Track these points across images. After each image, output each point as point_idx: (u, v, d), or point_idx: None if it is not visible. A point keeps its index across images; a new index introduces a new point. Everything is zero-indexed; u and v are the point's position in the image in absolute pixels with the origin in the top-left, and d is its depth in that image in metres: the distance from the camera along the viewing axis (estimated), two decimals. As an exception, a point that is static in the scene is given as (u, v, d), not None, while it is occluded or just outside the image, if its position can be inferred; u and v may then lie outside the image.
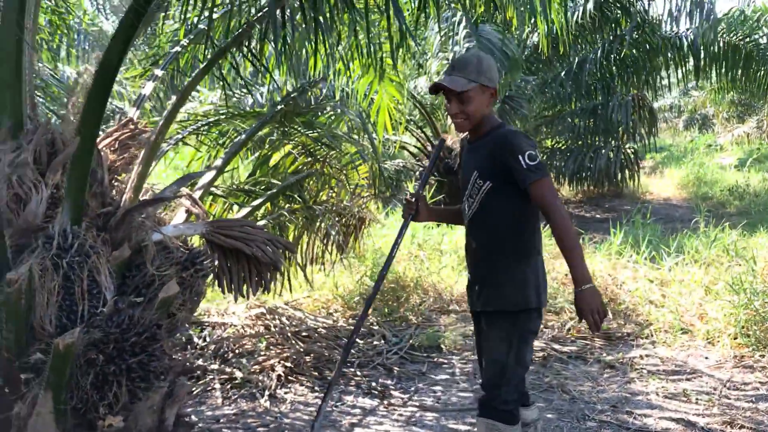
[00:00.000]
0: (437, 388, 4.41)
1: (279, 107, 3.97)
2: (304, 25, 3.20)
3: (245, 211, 3.56)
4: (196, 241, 3.36)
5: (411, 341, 5.19)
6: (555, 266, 6.64)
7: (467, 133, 2.80)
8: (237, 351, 4.99)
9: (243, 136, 3.71)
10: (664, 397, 4.07)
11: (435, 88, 2.73)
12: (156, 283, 2.71)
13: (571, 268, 2.47)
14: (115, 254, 2.61)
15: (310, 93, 4.27)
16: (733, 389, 4.17)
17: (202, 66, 3.21)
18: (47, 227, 2.47)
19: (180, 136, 4.13)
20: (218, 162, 3.46)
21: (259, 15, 3.23)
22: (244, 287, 3.08)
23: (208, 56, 3.91)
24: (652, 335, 5.16)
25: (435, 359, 4.95)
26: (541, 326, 5.38)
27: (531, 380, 4.44)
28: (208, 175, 3.26)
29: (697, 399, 4.01)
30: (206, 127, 4.48)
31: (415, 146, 12.35)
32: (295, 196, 5.02)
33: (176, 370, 2.92)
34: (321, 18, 3.07)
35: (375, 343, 5.24)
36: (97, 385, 2.42)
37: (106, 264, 2.48)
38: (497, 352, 2.66)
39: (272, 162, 5.31)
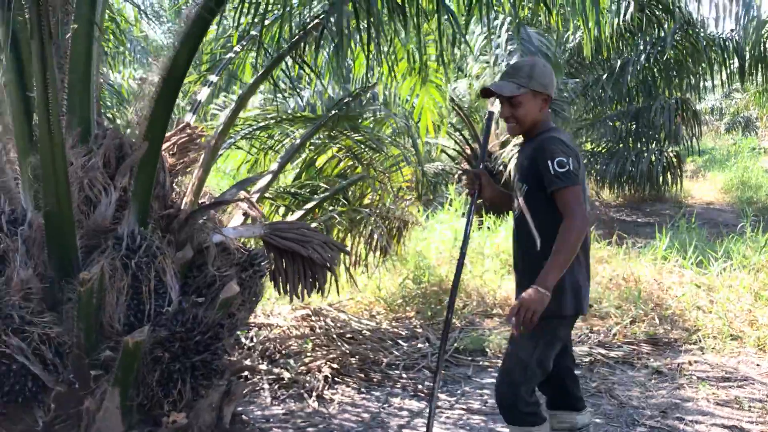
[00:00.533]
0: (484, 391, 4.42)
1: (333, 112, 4.02)
2: (358, 31, 3.24)
3: (299, 213, 3.63)
4: (250, 243, 3.43)
5: (456, 344, 5.20)
6: (599, 271, 6.60)
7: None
8: (283, 352, 5.06)
9: (297, 140, 3.77)
10: (716, 404, 4.02)
11: (485, 93, 2.77)
12: (217, 283, 2.79)
13: (546, 266, 2.47)
14: (178, 255, 2.68)
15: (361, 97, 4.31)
16: (787, 397, 4.11)
17: (261, 72, 3.27)
18: (115, 229, 2.55)
19: (232, 141, 4.21)
20: (274, 166, 3.53)
21: (315, 22, 3.29)
22: (299, 288, 3.14)
23: (260, 62, 3.99)
24: (700, 341, 5.10)
25: (480, 363, 4.95)
26: (587, 331, 5.40)
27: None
28: (265, 179, 3.32)
29: (750, 406, 3.96)
30: (256, 132, 4.56)
31: (454, 149, 12.35)
32: (340, 198, 5.09)
33: (232, 369, 3.00)
34: (373, 24, 3.11)
35: (419, 345, 5.27)
36: (162, 383, 2.49)
37: (171, 265, 2.56)
38: (523, 351, 2.64)
39: (317, 165, 5.40)
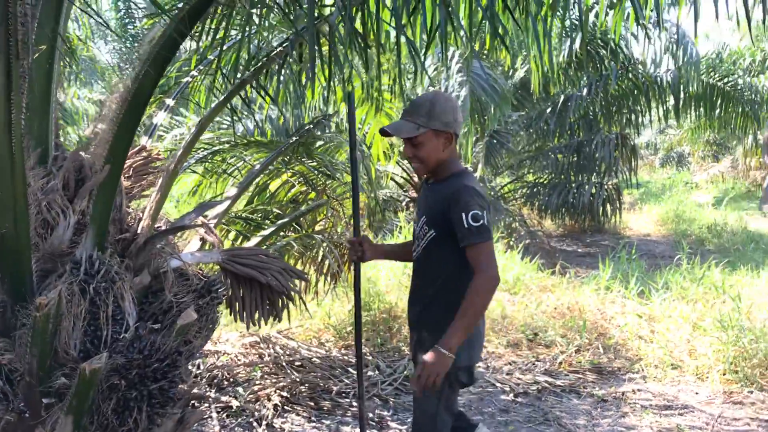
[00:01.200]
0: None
1: (294, 138, 4.03)
2: (321, 59, 3.28)
3: (256, 240, 3.60)
4: (206, 268, 3.39)
5: (405, 372, 5.21)
6: (543, 299, 6.74)
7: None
8: (232, 379, 4.99)
9: (257, 165, 3.76)
10: (659, 432, 4.15)
11: (384, 132, 2.65)
12: (174, 309, 2.74)
13: (451, 327, 2.39)
14: (135, 281, 2.64)
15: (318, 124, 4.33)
16: (725, 425, 4.26)
17: (223, 97, 3.26)
18: (72, 253, 2.49)
19: (187, 165, 4.17)
20: (232, 191, 3.50)
21: (278, 49, 3.32)
22: (256, 315, 3.12)
23: (220, 87, 3.98)
24: (642, 370, 5.25)
25: (430, 390, 4.97)
26: (533, 359, 5.49)
27: (527, 413, 4.50)
28: (223, 205, 3.30)
29: (690, 434, 4.09)
30: (209, 156, 4.53)
31: (402, 176, 12.47)
32: (292, 224, 5.08)
33: (186, 398, 2.95)
34: (334, 53, 3.15)
35: (369, 373, 5.26)
36: (117, 411, 2.43)
37: (129, 290, 2.51)
38: (429, 404, 2.59)
39: (270, 190, 5.38)
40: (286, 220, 4.09)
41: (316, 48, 3.21)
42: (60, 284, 2.33)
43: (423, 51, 3.33)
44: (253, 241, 3.60)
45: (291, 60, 3.46)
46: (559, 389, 4.91)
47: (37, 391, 2.34)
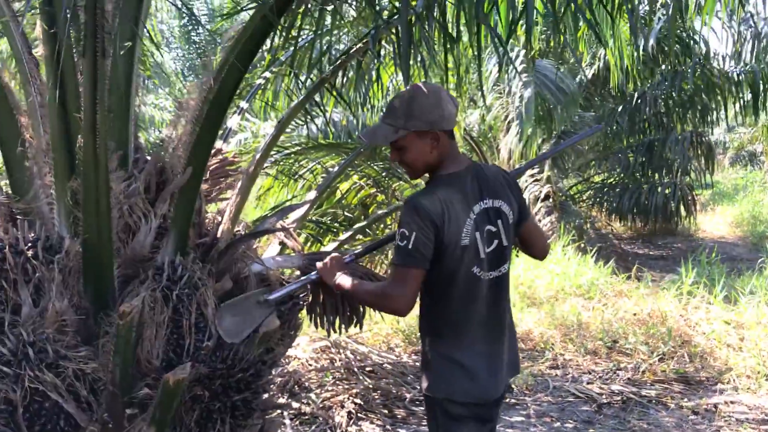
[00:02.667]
0: (514, 430, 4.25)
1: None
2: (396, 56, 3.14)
3: (333, 244, 3.49)
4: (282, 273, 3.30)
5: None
6: (620, 305, 6.47)
7: None
8: (304, 385, 4.90)
9: (335, 168, 3.66)
10: (760, 448, 3.87)
11: (363, 140, 2.44)
12: (255, 316, 2.64)
13: (350, 279, 2.38)
14: (217, 286, 2.55)
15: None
16: (832, 442, 3.95)
17: (302, 97, 3.17)
18: (154, 258, 2.42)
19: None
20: (310, 195, 3.40)
21: (358, 46, 3.20)
22: (337, 322, 3.00)
23: (291, 88, 3.90)
24: (733, 380, 4.94)
25: (507, 400, 4.79)
26: (614, 368, 5.24)
27: (612, 425, 4.28)
28: (302, 208, 3.20)
29: (796, 451, 3.80)
30: (282, 159, 4.46)
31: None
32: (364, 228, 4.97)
33: (267, 405, 2.85)
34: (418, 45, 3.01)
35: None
36: (200, 423, 2.34)
37: (212, 297, 2.42)
38: None
39: (339, 193, 5.29)
40: (364, 223, 3.97)
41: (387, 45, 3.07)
42: (142, 291, 2.26)
43: (506, 39, 3.14)
44: (330, 245, 3.49)
45: (371, 54, 3.32)
46: (645, 400, 4.66)
47: (121, 402, 2.26)
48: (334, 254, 2.56)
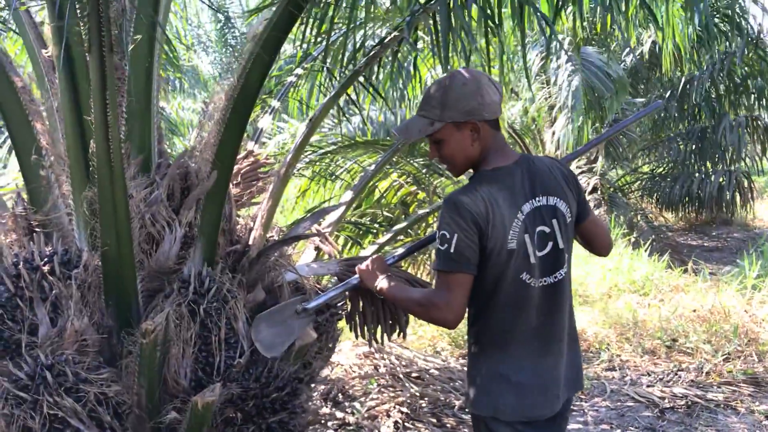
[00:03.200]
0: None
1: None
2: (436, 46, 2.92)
3: (372, 248, 3.29)
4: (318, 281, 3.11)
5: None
6: (677, 301, 6.13)
7: None
8: (347, 393, 4.72)
9: (371, 167, 3.46)
10: None
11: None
12: (291, 329, 2.46)
13: (392, 281, 2.20)
14: (248, 298, 2.37)
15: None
16: None
17: (334, 92, 2.98)
18: (180, 269, 2.25)
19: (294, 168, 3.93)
20: (346, 196, 3.21)
21: (393, 35, 3.00)
22: (378, 331, 2.80)
23: (323, 84, 3.71)
24: (807, 380, 4.59)
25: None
26: (675, 369, 4.93)
27: (677, 431, 3.99)
28: (338, 211, 3.01)
29: None
30: (316, 159, 4.27)
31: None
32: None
33: (305, 423, 2.66)
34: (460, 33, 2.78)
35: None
36: (234, 447, 2.17)
37: (243, 309, 2.24)
38: None
39: (377, 192, 5.09)
40: (404, 224, 3.74)
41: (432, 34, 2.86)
42: (167, 306, 2.09)
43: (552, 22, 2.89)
44: (370, 249, 3.29)
45: (407, 45, 3.11)
46: (712, 404, 4.34)
47: (147, 426, 2.10)
48: (375, 256, 2.37)
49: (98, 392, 2.02)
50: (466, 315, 2.09)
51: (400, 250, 2.49)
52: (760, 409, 4.21)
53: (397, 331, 2.88)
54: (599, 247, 2.27)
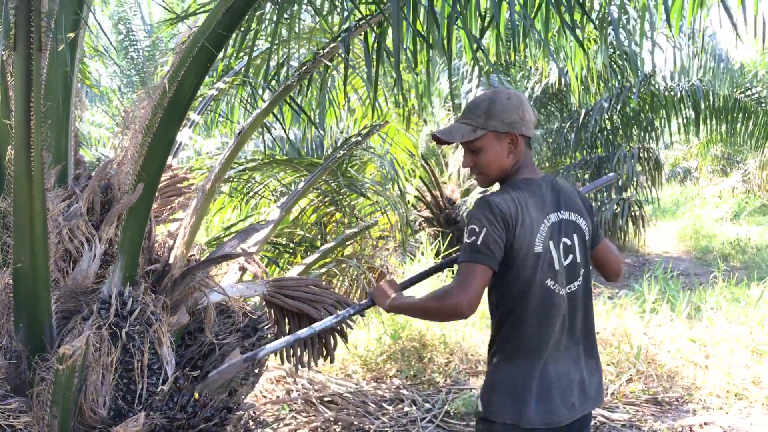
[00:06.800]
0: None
1: (342, 152, 3.62)
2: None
3: (299, 268, 3.19)
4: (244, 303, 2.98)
5: (446, 407, 4.78)
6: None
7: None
8: (259, 419, 4.55)
9: (300, 185, 3.36)
10: (742, 473, 3.72)
11: (438, 138, 2.28)
12: (216, 353, 2.33)
13: (406, 298, 2.24)
14: (172, 320, 2.22)
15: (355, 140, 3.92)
16: (813, 463, 3.84)
17: (264, 106, 2.87)
18: (98, 289, 2.08)
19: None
20: (274, 214, 3.10)
21: (326, 50, 2.93)
22: (305, 356, 2.70)
23: (246, 99, 3.61)
24: (703, 400, 4.81)
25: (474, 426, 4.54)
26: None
27: (588, 453, 4.07)
28: (266, 229, 2.90)
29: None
30: (237, 175, 4.13)
31: (414, 195, 12.09)
32: (319, 247, 4.68)
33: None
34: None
35: (406, 409, 4.83)
36: (156, 481, 2.01)
37: (167, 333, 2.10)
38: None
39: (294, 212, 4.98)
40: (331, 244, 3.67)
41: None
42: (87, 329, 1.92)
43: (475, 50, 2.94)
44: (296, 269, 3.19)
45: (340, 58, 3.06)
46: (618, 424, 4.47)
47: (60, 461, 1.92)
48: (388, 279, 2.42)
49: (5, 424, 1.82)
50: (490, 324, 2.17)
51: (411, 276, 2.47)
52: (662, 428, 4.37)
53: (325, 354, 2.80)
54: (611, 272, 2.35)
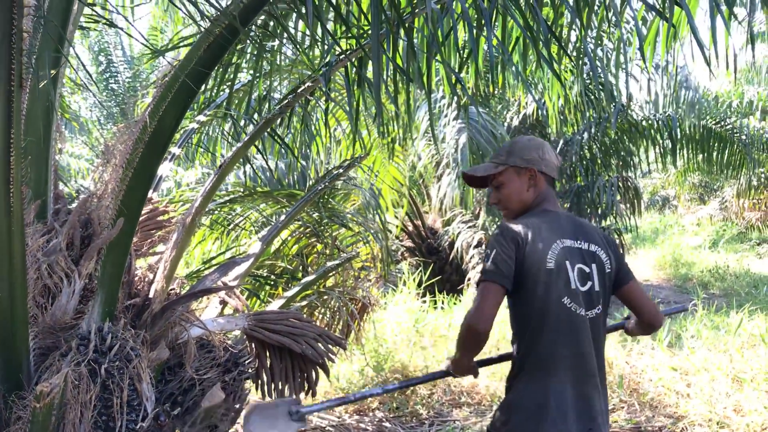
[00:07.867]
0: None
1: (322, 184, 3.63)
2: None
3: (280, 301, 3.18)
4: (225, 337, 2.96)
5: (430, 439, 4.75)
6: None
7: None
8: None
9: (282, 217, 3.37)
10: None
11: (468, 179, 2.48)
12: (196, 388, 2.31)
13: None
14: (152, 356, 2.20)
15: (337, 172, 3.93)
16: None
17: (245, 140, 2.88)
18: (77, 325, 2.06)
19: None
20: (255, 247, 3.10)
21: (306, 85, 2.96)
22: (286, 389, 2.68)
23: (230, 133, 3.62)
24: (686, 429, 4.82)
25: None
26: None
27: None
28: (246, 263, 2.89)
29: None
30: (217, 207, 4.13)
31: (396, 225, 12.11)
32: (300, 280, 4.66)
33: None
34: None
35: (389, 442, 4.79)
36: None
37: (147, 369, 2.07)
38: None
39: (275, 244, 4.97)
40: (313, 276, 3.66)
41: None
42: (65, 366, 1.90)
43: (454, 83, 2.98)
44: (278, 302, 3.18)
45: (321, 92, 3.09)
46: (602, 455, 4.46)
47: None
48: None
49: (-21, 465, 1.79)
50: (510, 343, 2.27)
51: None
52: (646, 458, 4.37)
53: (307, 388, 2.78)
54: (647, 314, 2.39)
